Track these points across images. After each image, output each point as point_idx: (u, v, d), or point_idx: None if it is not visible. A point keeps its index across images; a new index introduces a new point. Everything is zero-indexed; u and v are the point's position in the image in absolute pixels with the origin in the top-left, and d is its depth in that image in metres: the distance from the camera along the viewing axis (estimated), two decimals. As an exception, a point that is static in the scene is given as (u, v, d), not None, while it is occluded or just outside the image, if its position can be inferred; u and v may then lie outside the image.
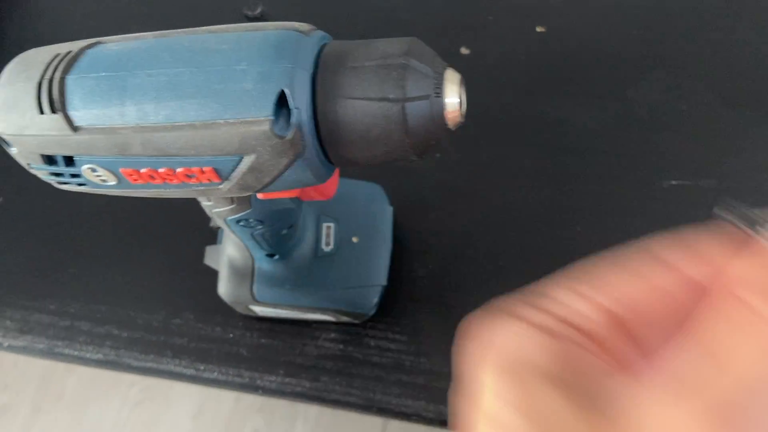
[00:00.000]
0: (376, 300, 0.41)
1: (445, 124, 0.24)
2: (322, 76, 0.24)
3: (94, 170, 0.26)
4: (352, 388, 0.42)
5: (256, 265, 0.40)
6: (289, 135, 0.23)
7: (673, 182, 0.45)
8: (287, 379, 0.43)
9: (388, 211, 0.42)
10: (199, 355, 0.44)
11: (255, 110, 0.23)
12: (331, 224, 0.41)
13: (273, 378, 0.43)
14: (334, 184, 0.31)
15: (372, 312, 0.42)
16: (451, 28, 0.51)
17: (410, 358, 0.43)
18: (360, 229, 0.41)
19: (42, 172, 0.27)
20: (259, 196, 0.29)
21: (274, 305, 0.41)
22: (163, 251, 0.47)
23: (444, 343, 0.41)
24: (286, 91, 0.23)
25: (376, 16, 0.53)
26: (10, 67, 0.27)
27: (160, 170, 0.25)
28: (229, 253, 0.41)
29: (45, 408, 1.23)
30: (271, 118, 0.23)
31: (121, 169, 0.26)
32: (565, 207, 0.45)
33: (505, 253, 0.44)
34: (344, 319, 0.42)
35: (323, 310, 0.42)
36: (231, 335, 0.44)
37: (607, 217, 0.44)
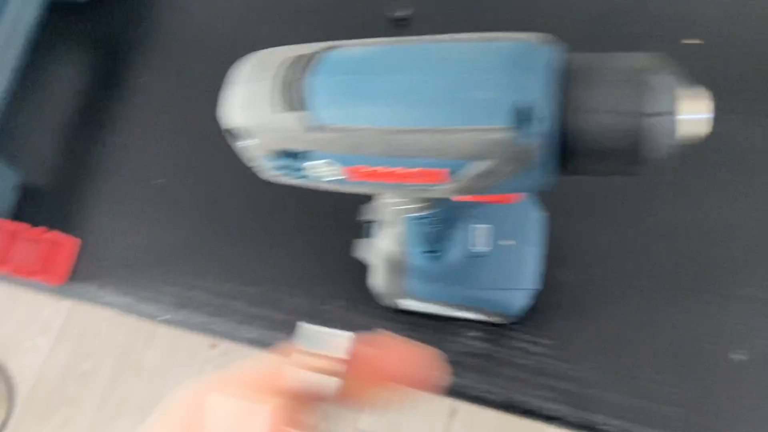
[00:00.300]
0: (527, 303, 0.42)
1: (687, 143, 0.24)
2: (567, 88, 0.24)
3: (324, 166, 0.28)
4: (494, 387, 0.43)
5: (411, 261, 0.42)
6: (530, 144, 0.24)
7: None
8: (430, 373, 0.44)
9: (541, 217, 0.43)
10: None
11: (498, 119, 0.24)
12: (486, 226, 0.42)
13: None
14: None
15: (521, 314, 0.43)
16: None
17: (554, 363, 0.43)
18: (513, 233, 0.42)
19: (269, 165, 0.29)
20: (464, 198, 0.30)
21: (425, 300, 0.43)
22: (312, 240, 0.49)
23: (590, 350, 0.42)
24: (531, 102, 0.24)
25: (523, 20, 0.53)
26: (246, 66, 0.28)
27: (390, 169, 0.27)
28: (384, 248, 0.42)
29: (124, 378, 1.29)
30: (513, 127, 0.24)
31: (349, 167, 0.27)
32: (721, 224, 0.45)
33: (654, 267, 0.44)
34: (491, 318, 0.43)
35: (472, 309, 0.43)
36: (376, 326, 0.46)
37: (764, 239, 0.44)
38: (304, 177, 0.29)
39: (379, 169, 0.27)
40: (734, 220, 0.45)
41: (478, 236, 0.42)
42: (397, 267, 0.42)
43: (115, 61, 0.57)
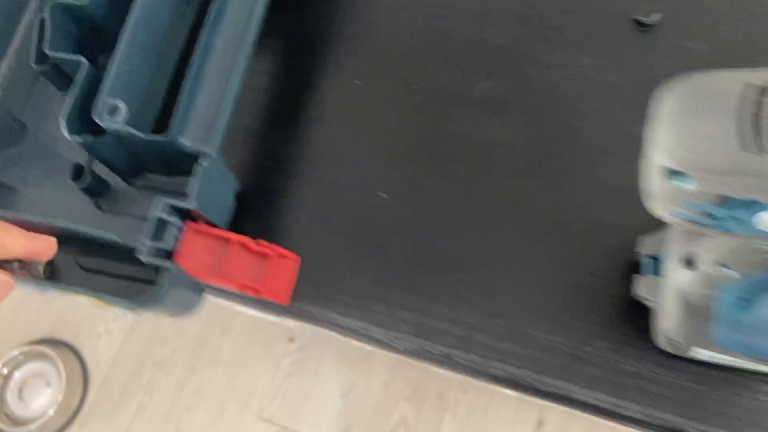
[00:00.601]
0: None
1: None
2: None
3: None
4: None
5: (719, 307, 0.37)
6: None
7: None
8: (717, 430, 0.39)
9: None
10: (615, 389, 0.40)
11: None
12: None
13: (703, 427, 0.39)
14: None
15: None
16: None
17: None
18: None
19: (691, 210, 0.24)
20: None
21: (730, 352, 0.37)
22: (568, 269, 0.44)
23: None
24: None
25: None
26: (680, 93, 0.24)
27: None
28: (684, 290, 0.37)
29: (200, 368, 1.27)
30: None
31: None
32: None
33: None
34: None
35: None
36: (651, 374, 0.41)
37: None
38: (733, 227, 0.24)
39: None
40: None
41: None
42: (701, 312, 0.37)
43: (323, 60, 0.52)
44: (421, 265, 0.46)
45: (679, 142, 0.24)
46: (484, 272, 0.45)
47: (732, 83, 0.23)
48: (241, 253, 0.43)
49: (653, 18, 0.50)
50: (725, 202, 0.24)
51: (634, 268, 0.42)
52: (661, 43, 0.48)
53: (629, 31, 0.50)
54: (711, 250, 0.35)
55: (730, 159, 0.23)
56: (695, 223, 0.26)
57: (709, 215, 0.24)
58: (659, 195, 0.26)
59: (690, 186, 0.24)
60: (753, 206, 0.23)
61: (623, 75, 0.47)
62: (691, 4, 0.49)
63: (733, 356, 0.38)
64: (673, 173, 0.24)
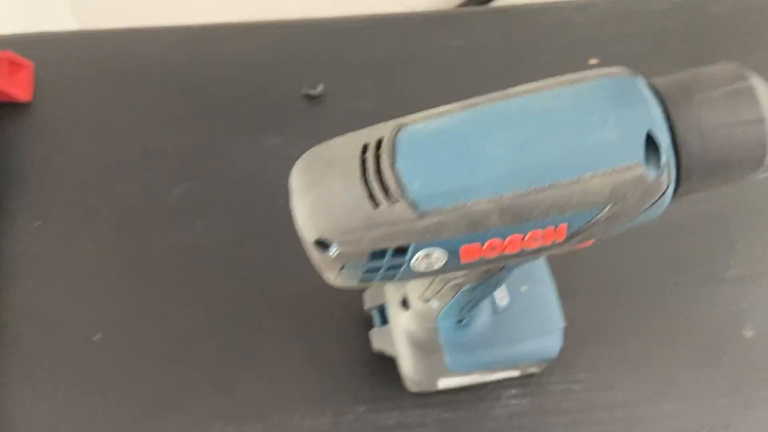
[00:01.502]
0: (561, 343, 0.40)
1: None
2: (675, 112, 0.24)
3: (428, 256, 0.24)
4: (554, 439, 0.41)
5: (442, 336, 0.39)
6: (661, 176, 0.23)
7: None
8: (489, 447, 0.41)
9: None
10: (385, 448, 0.40)
11: (625, 157, 0.23)
12: (504, 290, 0.41)
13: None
14: None
15: (556, 357, 0.41)
16: (512, 74, 0.53)
17: (599, 395, 0.42)
18: (524, 277, 0.41)
19: (355, 272, 0.25)
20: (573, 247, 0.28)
21: (466, 373, 0.40)
22: (307, 345, 0.43)
23: (623, 371, 0.41)
24: (653, 132, 0.23)
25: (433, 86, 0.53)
26: (305, 168, 0.25)
27: (508, 238, 0.24)
28: (408, 330, 0.39)
29: None
30: (642, 162, 0.23)
31: (462, 247, 0.24)
32: (682, 215, 0.47)
33: (645, 268, 0.45)
34: (529, 371, 0.41)
35: (512, 367, 0.40)
36: (410, 419, 0.41)
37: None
38: (398, 273, 0.25)
39: (496, 242, 0.24)
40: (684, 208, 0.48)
41: (498, 290, 0.40)
42: (427, 347, 0.39)
43: (-10, 210, 0.47)
44: (161, 392, 0.42)
45: (313, 213, 0.24)
46: (241, 377, 0.42)
47: (350, 147, 0.24)
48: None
49: (319, 89, 0.53)
50: (379, 256, 0.24)
51: (368, 324, 0.42)
52: (329, 109, 0.51)
53: (302, 105, 0.52)
54: (413, 289, 0.36)
55: (362, 216, 0.23)
56: (368, 280, 0.26)
57: (375, 270, 0.25)
58: (322, 266, 0.26)
59: (334, 252, 0.24)
60: (405, 252, 0.24)
61: (303, 146, 0.49)
62: (347, 70, 0.53)
63: (472, 375, 0.40)
64: (320, 243, 0.24)
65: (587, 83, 0.24)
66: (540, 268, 0.41)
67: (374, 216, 0.23)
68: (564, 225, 0.24)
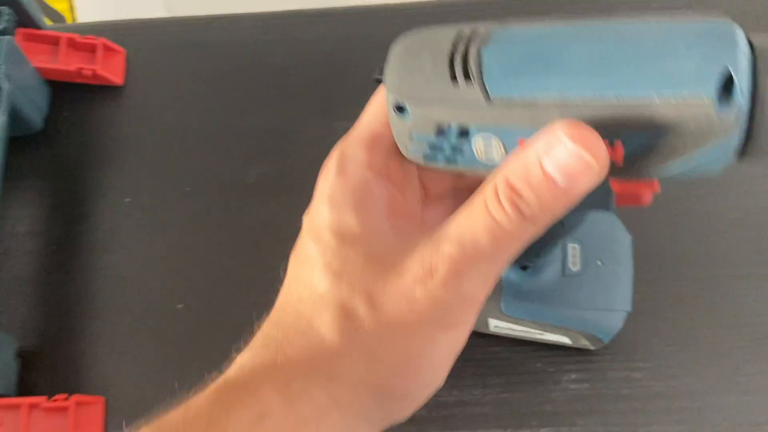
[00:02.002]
0: (621, 325, 0.41)
1: None
2: (763, 67, 0.23)
3: (487, 143, 0.26)
4: (612, 426, 0.41)
5: (504, 279, 0.40)
6: (730, 116, 0.23)
7: None
8: (543, 430, 0.42)
9: (628, 238, 0.42)
10: (444, 423, 0.42)
11: (697, 89, 0.23)
12: (577, 245, 0.41)
13: (528, 431, 0.42)
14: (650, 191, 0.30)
15: (613, 337, 0.41)
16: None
17: (661, 384, 0.42)
18: (603, 253, 0.41)
19: (421, 143, 0.27)
20: (616, 189, 0.28)
21: (519, 321, 0.41)
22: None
23: (687, 360, 0.41)
24: (733, 73, 0.22)
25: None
26: (404, 41, 0.27)
27: None
28: None
29: None
30: (714, 98, 0.23)
31: (520, 139, 0.25)
32: (760, 210, 0.46)
33: (722, 273, 0.45)
34: (582, 343, 0.42)
35: (565, 330, 0.41)
36: (471, 396, 0.43)
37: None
38: (458, 158, 0.27)
39: None
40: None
41: (572, 255, 0.40)
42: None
43: (84, 187, 0.51)
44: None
45: (399, 78, 0.26)
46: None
47: (448, 32, 0.26)
48: (37, 417, 0.40)
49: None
50: (443, 131, 0.26)
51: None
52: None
53: (373, 89, 0.53)
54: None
55: (439, 89, 0.25)
56: (432, 160, 0.28)
57: (435, 147, 0.27)
58: (397, 133, 0.28)
59: (409, 118, 0.26)
60: (467, 135, 0.26)
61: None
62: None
63: (527, 326, 0.41)
64: (398, 108, 0.27)
65: (686, 20, 0.24)
66: (623, 247, 0.42)
67: (449, 92, 0.25)
68: (620, 143, 0.24)
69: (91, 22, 0.57)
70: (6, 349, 0.43)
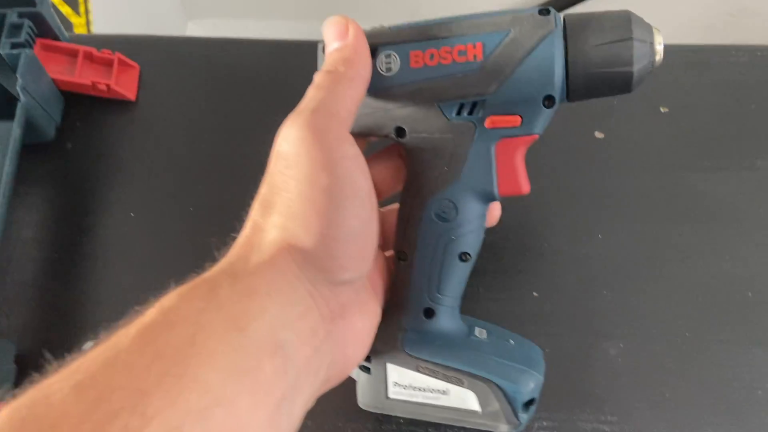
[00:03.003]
0: (535, 392, 0.38)
1: (654, 66, 0.34)
2: (572, 35, 0.33)
3: (388, 57, 0.35)
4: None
5: (406, 322, 0.39)
6: (548, 19, 0.33)
7: (821, 244, 0.50)
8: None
9: (539, 351, 0.42)
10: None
11: (524, 11, 0.34)
12: (485, 330, 0.40)
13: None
14: (526, 181, 0.37)
15: (528, 412, 0.39)
16: (584, 113, 0.55)
17: (626, 438, 0.45)
18: (513, 338, 0.41)
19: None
20: (489, 124, 0.35)
21: (421, 364, 0.38)
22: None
23: (653, 416, 0.44)
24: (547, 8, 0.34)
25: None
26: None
27: (442, 48, 0.34)
28: None
29: None
30: (536, 12, 0.33)
31: (411, 52, 0.34)
32: (728, 276, 0.49)
33: (682, 324, 0.47)
34: (492, 411, 0.38)
35: (473, 382, 0.38)
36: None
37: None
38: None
39: (433, 50, 0.34)
40: (740, 269, 0.49)
41: (479, 332, 0.40)
42: (390, 325, 0.39)
43: (91, 200, 0.53)
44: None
45: None
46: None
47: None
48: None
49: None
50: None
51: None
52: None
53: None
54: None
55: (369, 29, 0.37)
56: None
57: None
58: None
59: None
60: (375, 52, 0.36)
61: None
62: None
63: (425, 374, 0.39)
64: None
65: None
66: (536, 356, 0.41)
67: (367, 30, 0.35)
68: (480, 43, 0.33)
69: (107, 35, 0.59)
70: (6, 355, 0.45)
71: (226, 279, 0.27)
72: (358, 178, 0.31)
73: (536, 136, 0.36)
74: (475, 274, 0.48)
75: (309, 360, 0.29)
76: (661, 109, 0.55)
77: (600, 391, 0.46)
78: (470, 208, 0.37)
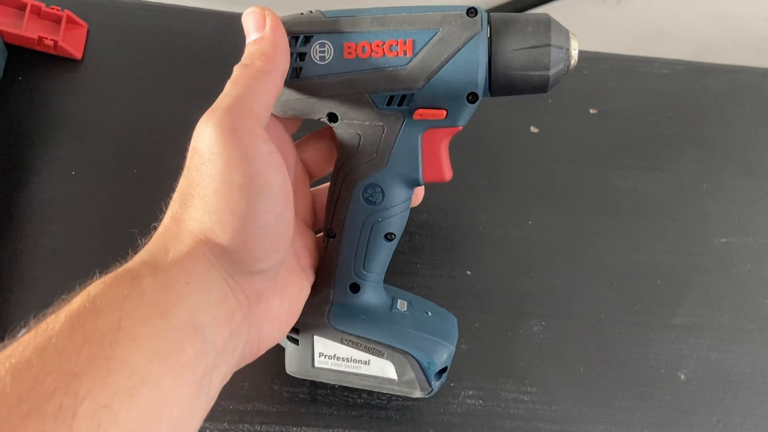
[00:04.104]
0: (447, 361, 0.42)
1: (569, 70, 0.36)
2: (495, 36, 0.35)
3: (323, 47, 0.36)
4: (497, 440, 0.47)
5: (333, 296, 0.41)
6: (475, 20, 0.35)
7: (722, 240, 0.55)
8: (437, 437, 0.47)
9: (454, 319, 0.45)
10: (351, 423, 0.46)
11: (454, 9, 0.35)
12: (406, 302, 0.43)
13: (424, 437, 0.46)
14: (449, 168, 0.40)
15: (439, 380, 0.42)
16: (522, 109, 0.59)
17: (544, 407, 0.48)
18: (432, 310, 0.45)
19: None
20: (417, 116, 0.37)
21: (345, 337, 0.41)
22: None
23: (567, 390, 0.47)
24: (474, 8, 0.35)
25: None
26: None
27: (374, 42, 0.35)
28: None
29: None
30: (464, 12, 0.35)
31: (344, 42, 0.35)
32: (641, 265, 0.54)
33: (604, 306, 0.52)
34: (408, 380, 0.42)
35: (392, 353, 0.41)
36: (378, 400, 0.47)
37: (685, 273, 0.53)
38: (305, 65, 0.36)
39: (365, 44, 0.35)
40: (650, 259, 0.54)
41: (400, 305, 0.43)
42: (318, 300, 0.41)
43: (30, 154, 0.52)
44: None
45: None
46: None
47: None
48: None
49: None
50: (300, 41, 0.37)
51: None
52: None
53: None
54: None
55: (299, 17, 0.38)
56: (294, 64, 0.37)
57: (298, 56, 0.38)
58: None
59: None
60: (309, 40, 0.37)
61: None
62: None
63: (348, 346, 0.42)
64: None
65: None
66: (450, 320, 0.45)
67: (304, 16, 0.37)
68: (411, 40, 0.35)
69: (57, -8, 0.58)
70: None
71: (147, 269, 0.29)
72: (271, 175, 0.32)
73: (460, 128, 0.38)
74: (413, 250, 0.50)
75: (227, 342, 0.31)
76: (591, 111, 0.60)
77: (523, 364, 0.50)
78: (396, 192, 0.39)
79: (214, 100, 0.33)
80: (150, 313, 0.27)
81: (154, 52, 0.57)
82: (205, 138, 0.31)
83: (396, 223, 0.40)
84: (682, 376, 0.50)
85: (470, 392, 0.48)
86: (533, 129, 0.58)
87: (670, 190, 0.57)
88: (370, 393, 0.47)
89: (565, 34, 0.35)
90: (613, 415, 0.48)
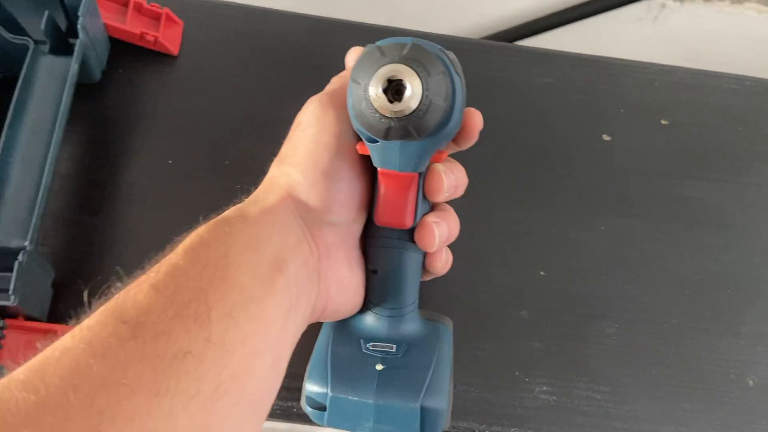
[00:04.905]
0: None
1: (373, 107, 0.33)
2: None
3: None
4: (570, 434, 0.48)
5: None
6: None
7: (791, 253, 0.56)
8: (512, 429, 0.48)
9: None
10: (430, 411, 0.48)
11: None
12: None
13: (498, 428, 0.48)
14: (411, 214, 0.38)
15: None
16: (595, 117, 0.60)
17: (616, 406, 0.50)
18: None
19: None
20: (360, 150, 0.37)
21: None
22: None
23: (639, 391, 0.49)
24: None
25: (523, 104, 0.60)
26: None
27: None
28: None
29: None
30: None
31: None
32: (710, 274, 0.55)
33: (673, 312, 0.53)
34: None
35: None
36: (456, 389, 0.49)
37: (753, 283, 0.55)
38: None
39: None
40: (721, 267, 0.55)
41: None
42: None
43: (131, 143, 0.55)
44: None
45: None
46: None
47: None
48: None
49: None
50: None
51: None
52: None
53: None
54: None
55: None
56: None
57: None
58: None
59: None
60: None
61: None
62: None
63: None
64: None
65: None
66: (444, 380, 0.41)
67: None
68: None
69: (155, -10, 0.61)
70: (46, 277, 0.46)
71: (241, 213, 0.34)
72: (352, 145, 0.37)
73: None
74: (489, 249, 0.52)
75: (304, 283, 0.35)
76: (662, 121, 0.61)
77: (595, 364, 0.51)
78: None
79: (300, 99, 0.39)
80: (246, 246, 0.32)
81: (245, 51, 0.59)
82: (308, 111, 0.38)
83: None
84: (751, 382, 0.51)
85: (544, 388, 0.50)
86: (605, 137, 0.60)
87: (739, 201, 0.58)
88: (448, 384, 0.49)
89: (368, 70, 0.33)
90: (682, 417, 0.50)
